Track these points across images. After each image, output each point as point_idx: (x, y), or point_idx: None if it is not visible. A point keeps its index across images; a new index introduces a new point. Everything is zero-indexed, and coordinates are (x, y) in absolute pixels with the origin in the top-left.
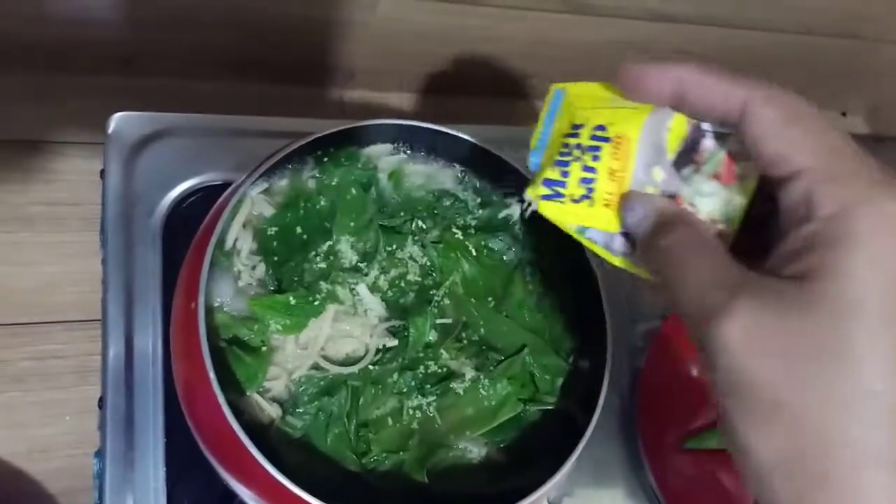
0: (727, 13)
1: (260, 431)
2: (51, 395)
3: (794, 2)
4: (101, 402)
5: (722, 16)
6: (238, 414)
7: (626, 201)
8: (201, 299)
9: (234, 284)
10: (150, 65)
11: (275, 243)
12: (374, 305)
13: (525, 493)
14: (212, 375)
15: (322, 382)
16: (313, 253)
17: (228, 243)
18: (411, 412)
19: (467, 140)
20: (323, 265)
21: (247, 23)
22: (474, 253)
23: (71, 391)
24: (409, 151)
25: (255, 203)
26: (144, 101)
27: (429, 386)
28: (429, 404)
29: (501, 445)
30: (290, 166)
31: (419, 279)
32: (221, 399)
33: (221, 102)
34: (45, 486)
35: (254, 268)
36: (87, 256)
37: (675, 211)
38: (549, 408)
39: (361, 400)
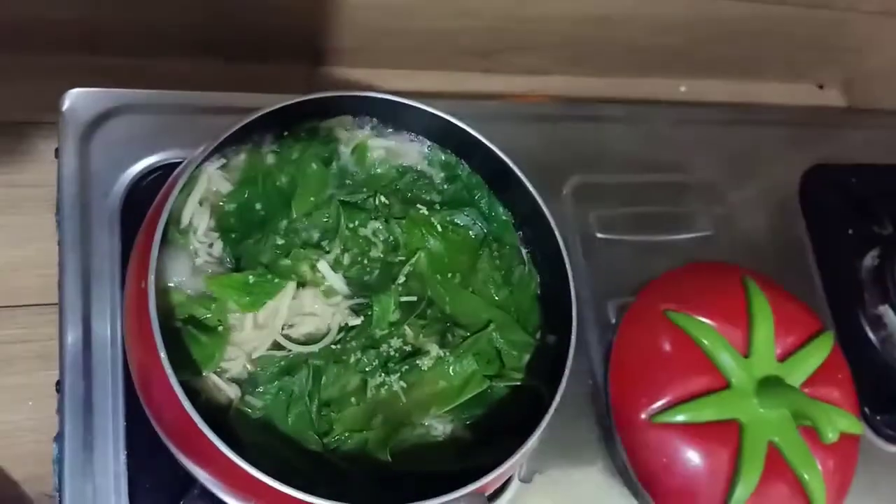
0: None
1: (218, 412)
2: (13, 381)
3: None
4: (59, 386)
5: None
6: (194, 395)
7: None
8: (151, 278)
9: (190, 263)
10: (110, 43)
11: (233, 220)
12: (337, 283)
13: (489, 471)
14: (163, 355)
15: (283, 362)
16: (273, 230)
17: (184, 221)
18: (375, 390)
19: (432, 113)
20: (282, 242)
21: (210, 0)
22: (440, 229)
23: (33, 376)
24: (372, 125)
25: (213, 179)
26: (105, 79)
27: (392, 364)
28: (393, 382)
29: (467, 423)
30: (249, 142)
31: (382, 256)
32: (173, 379)
33: (184, 82)
34: (9, 473)
35: (211, 245)
36: (48, 239)
37: None
38: (516, 384)
39: (324, 379)
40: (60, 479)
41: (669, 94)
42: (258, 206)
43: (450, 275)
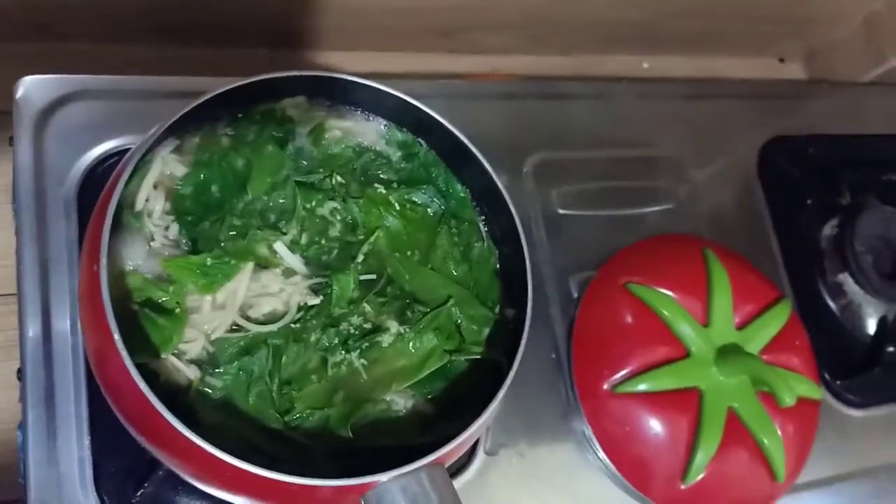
0: None
1: (177, 394)
2: None
3: None
4: (20, 374)
5: None
6: (153, 378)
7: None
8: (103, 261)
9: (146, 246)
10: (68, 29)
11: (188, 203)
12: (295, 263)
13: (449, 441)
14: (117, 337)
15: (242, 342)
16: (229, 211)
17: (139, 204)
18: (335, 368)
19: (388, 92)
20: (239, 223)
21: None
22: (398, 207)
23: None
24: (328, 106)
25: (167, 162)
26: (63, 66)
27: (352, 342)
28: (353, 359)
29: (429, 397)
30: (203, 124)
31: (340, 235)
32: (128, 361)
33: (144, 68)
34: None
35: (167, 228)
36: (7, 229)
37: None
38: (477, 357)
39: (284, 358)
40: (25, 466)
41: (633, 71)
42: (214, 188)
43: (409, 252)
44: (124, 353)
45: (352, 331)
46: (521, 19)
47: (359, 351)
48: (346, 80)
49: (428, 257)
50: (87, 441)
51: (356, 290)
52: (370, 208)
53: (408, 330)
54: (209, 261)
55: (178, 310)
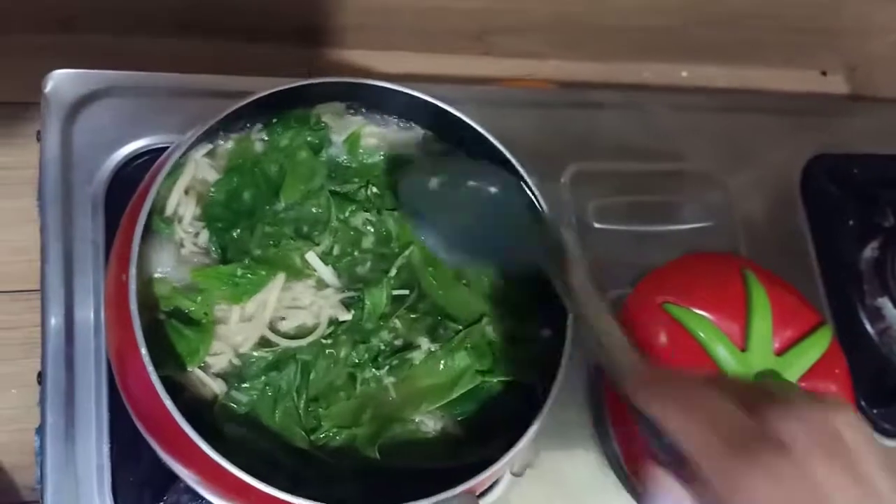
0: None
1: (202, 408)
2: None
3: None
4: (40, 377)
5: None
6: (178, 391)
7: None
8: (132, 271)
9: (176, 253)
10: (92, 23)
11: (219, 209)
12: (327, 275)
13: (482, 468)
14: (143, 351)
15: (270, 357)
16: (261, 219)
17: (169, 210)
18: (364, 385)
19: (427, 100)
20: (271, 231)
21: None
22: None
23: (17, 364)
24: (364, 112)
25: (199, 167)
26: (93, 60)
27: (382, 359)
28: (383, 376)
29: (459, 418)
30: (237, 128)
31: (373, 248)
32: (154, 377)
33: (170, 62)
34: None
35: (197, 235)
36: (33, 223)
37: None
38: (510, 379)
39: (312, 374)
40: (42, 471)
41: (670, 79)
42: (246, 194)
43: (443, 266)
44: (150, 369)
45: (382, 347)
46: (555, 24)
47: (388, 367)
48: (387, 88)
49: (462, 272)
50: (106, 448)
51: (388, 305)
52: (406, 222)
53: (439, 348)
54: (239, 271)
55: (205, 321)
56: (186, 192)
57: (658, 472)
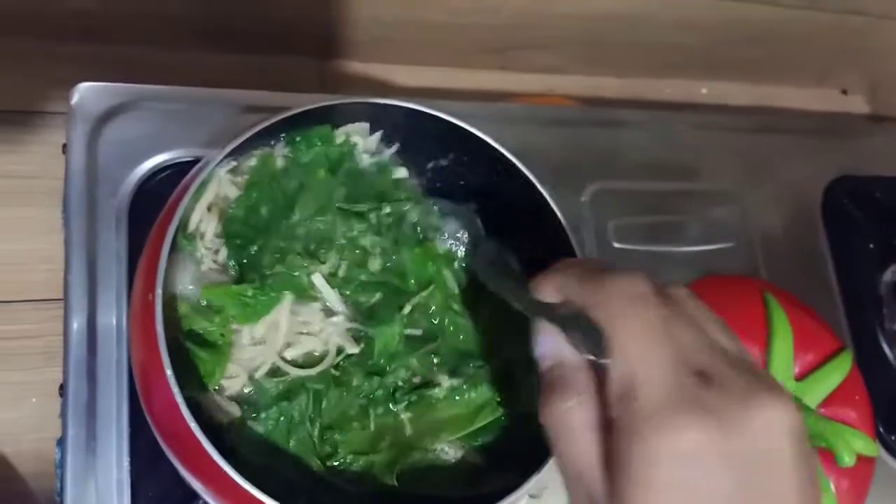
0: None
1: (219, 431)
2: (16, 377)
3: None
4: (62, 389)
5: None
6: (198, 412)
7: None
8: (159, 291)
9: (196, 271)
10: (120, 33)
11: (238, 226)
12: (332, 299)
13: (502, 496)
14: (169, 373)
15: (281, 386)
16: (275, 233)
17: (192, 226)
18: (379, 418)
19: (457, 125)
20: (283, 245)
21: None
22: (455, 266)
23: (38, 373)
24: (389, 134)
25: (222, 184)
26: (115, 70)
27: (399, 395)
28: (400, 411)
29: (478, 447)
30: (260, 145)
31: (382, 276)
32: (179, 397)
33: (194, 73)
34: (15, 469)
35: (217, 252)
36: (57, 232)
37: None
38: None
39: (324, 403)
40: (62, 484)
41: (690, 96)
42: (263, 210)
43: (461, 303)
44: (176, 390)
45: (399, 384)
46: (576, 40)
47: (406, 403)
48: (418, 111)
49: (479, 303)
50: (126, 462)
51: (400, 344)
52: (425, 262)
53: (461, 382)
54: (250, 291)
55: (221, 342)
56: (209, 209)
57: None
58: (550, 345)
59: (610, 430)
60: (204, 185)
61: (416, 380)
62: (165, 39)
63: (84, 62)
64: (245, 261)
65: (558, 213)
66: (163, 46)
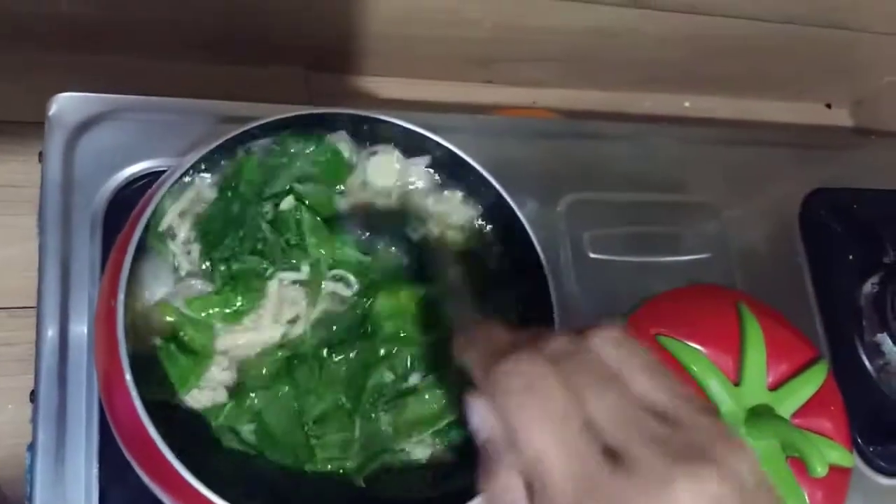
0: (705, 1)
1: (196, 429)
2: None
3: None
4: (33, 395)
5: (700, 4)
6: (167, 417)
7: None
8: (121, 297)
9: (173, 274)
10: (103, 44)
11: (211, 223)
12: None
13: (472, 495)
14: (128, 378)
15: (267, 373)
16: (247, 225)
17: (163, 226)
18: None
19: (438, 142)
20: (257, 237)
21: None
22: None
23: (15, 379)
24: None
25: (201, 191)
26: (100, 79)
27: (382, 400)
28: (380, 416)
29: (448, 445)
30: (235, 152)
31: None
32: (138, 402)
33: (179, 83)
34: None
35: (189, 253)
36: (30, 239)
37: None
38: None
39: (305, 407)
40: (32, 488)
41: (673, 109)
42: (235, 205)
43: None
44: (135, 394)
45: (383, 390)
46: (560, 53)
47: (385, 408)
48: (396, 125)
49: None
50: (95, 469)
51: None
52: (391, 303)
53: (430, 382)
54: (238, 301)
55: (201, 350)
56: (182, 213)
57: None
58: (481, 417)
59: None
60: (176, 191)
61: (400, 386)
62: (151, 50)
63: (69, 71)
64: (218, 256)
65: (525, 224)
66: (149, 57)
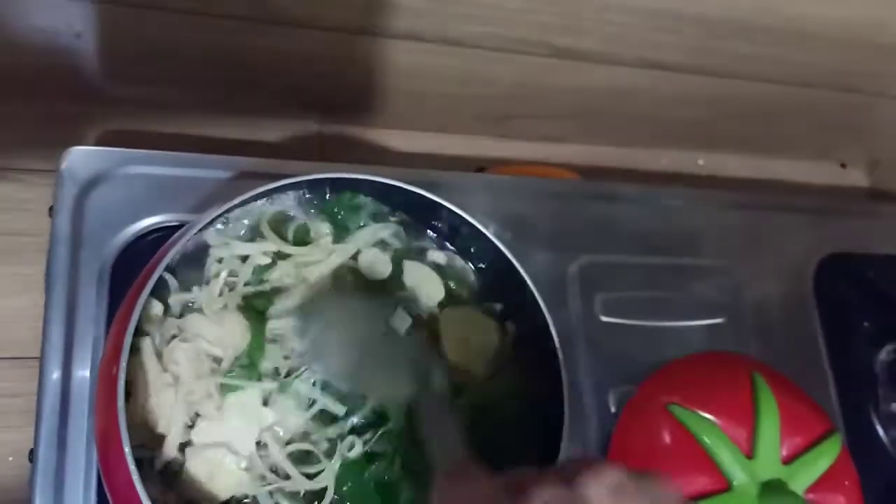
0: (720, 63)
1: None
2: None
3: (790, 55)
4: (32, 455)
5: (714, 66)
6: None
7: None
8: (123, 364)
9: None
10: (116, 95)
11: None
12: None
13: None
14: (127, 450)
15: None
16: None
17: None
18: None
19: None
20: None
21: (225, 57)
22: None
23: (17, 431)
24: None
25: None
26: (115, 131)
27: None
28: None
29: None
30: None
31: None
32: (136, 476)
33: (192, 135)
34: None
35: None
36: (39, 289)
37: None
38: None
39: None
40: None
41: (687, 167)
42: None
43: None
44: (133, 468)
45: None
46: (576, 110)
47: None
48: (405, 190)
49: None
50: None
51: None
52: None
53: None
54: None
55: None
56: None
57: None
58: None
59: None
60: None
61: None
62: (165, 102)
63: (83, 121)
64: None
65: (533, 289)
66: (162, 108)
